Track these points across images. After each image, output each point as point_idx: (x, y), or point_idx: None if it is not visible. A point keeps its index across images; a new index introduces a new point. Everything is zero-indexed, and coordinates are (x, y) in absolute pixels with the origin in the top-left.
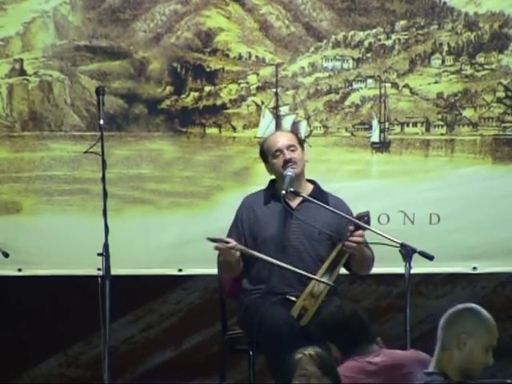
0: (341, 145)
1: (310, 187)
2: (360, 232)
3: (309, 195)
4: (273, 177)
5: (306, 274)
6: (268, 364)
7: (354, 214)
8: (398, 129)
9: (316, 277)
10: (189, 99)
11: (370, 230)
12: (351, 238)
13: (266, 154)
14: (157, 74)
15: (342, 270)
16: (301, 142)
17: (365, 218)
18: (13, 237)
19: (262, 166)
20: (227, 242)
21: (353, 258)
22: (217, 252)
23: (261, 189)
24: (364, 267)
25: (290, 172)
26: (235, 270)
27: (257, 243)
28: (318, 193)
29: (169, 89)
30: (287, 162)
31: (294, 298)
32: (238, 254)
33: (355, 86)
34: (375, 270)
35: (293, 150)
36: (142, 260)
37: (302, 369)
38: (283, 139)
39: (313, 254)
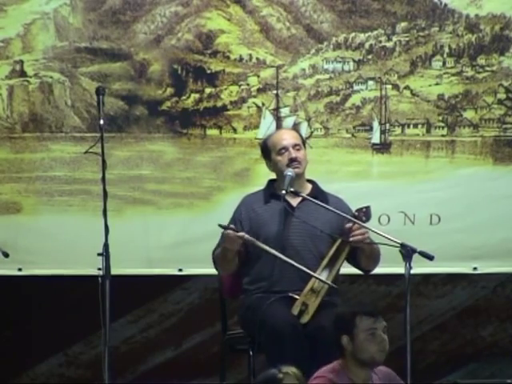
0: (341, 146)
1: (310, 187)
2: (358, 226)
3: (308, 195)
4: (272, 176)
5: (306, 270)
6: (268, 364)
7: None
8: (398, 130)
9: (316, 274)
10: (189, 101)
11: (368, 229)
12: (354, 233)
13: (270, 150)
14: (157, 76)
15: (344, 270)
16: (304, 142)
17: (363, 210)
18: (13, 237)
19: (262, 167)
20: (236, 231)
21: (362, 253)
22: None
23: (259, 189)
24: (372, 261)
25: (290, 172)
26: (230, 265)
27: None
28: (318, 192)
29: (169, 90)
30: (293, 161)
31: (296, 296)
32: (239, 244)
33: (356, 87)
34: (375, 270)
35: (298, 149)
36: (142, 260)
37: None
38: (289, 137)
39: (315, 252)
